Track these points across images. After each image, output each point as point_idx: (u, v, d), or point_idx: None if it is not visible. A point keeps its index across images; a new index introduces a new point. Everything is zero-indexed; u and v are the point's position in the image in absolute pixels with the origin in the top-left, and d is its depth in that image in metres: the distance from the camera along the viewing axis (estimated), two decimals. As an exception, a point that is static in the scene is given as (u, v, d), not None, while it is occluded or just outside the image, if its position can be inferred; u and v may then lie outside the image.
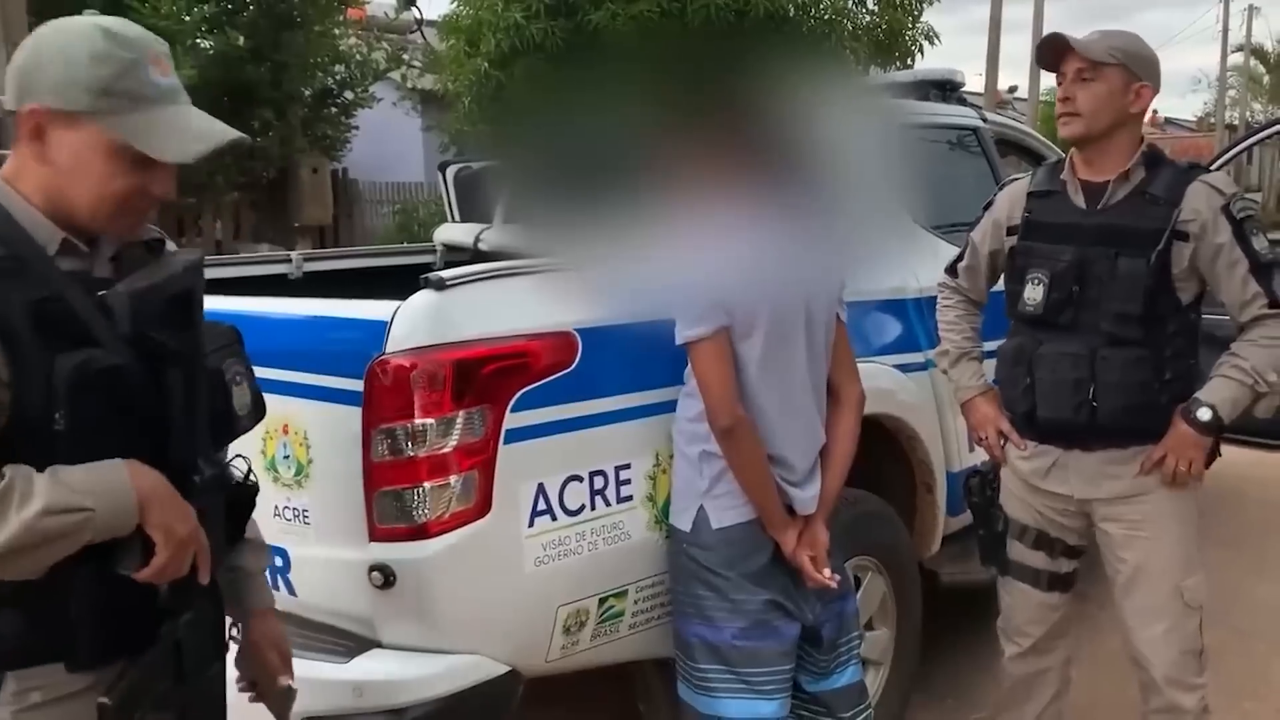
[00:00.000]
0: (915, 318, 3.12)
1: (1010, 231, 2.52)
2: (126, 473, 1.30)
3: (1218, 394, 2.30)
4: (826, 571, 2.27)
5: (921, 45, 8.33)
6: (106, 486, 1.28)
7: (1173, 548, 2.41)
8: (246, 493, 1.59)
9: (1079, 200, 2.40)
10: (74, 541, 1.26)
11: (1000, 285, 2.61)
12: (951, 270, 2.73)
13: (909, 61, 8.26)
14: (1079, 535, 2.55)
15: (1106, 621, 2.56)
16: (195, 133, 1.40)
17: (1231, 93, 35.05)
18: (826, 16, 7.72)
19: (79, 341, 1.29)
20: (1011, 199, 2.56)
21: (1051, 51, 2.38)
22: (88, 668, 1.35)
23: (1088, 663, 3.45)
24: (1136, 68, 2.33)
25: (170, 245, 1.53)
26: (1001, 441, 2.57)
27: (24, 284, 1.28)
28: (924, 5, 8.31)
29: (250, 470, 1.59)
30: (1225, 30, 33.54)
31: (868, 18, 8.07)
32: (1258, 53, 35.58)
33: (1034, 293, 2.40)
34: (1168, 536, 2.41)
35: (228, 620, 1.60)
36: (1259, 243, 2.28)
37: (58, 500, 1.23)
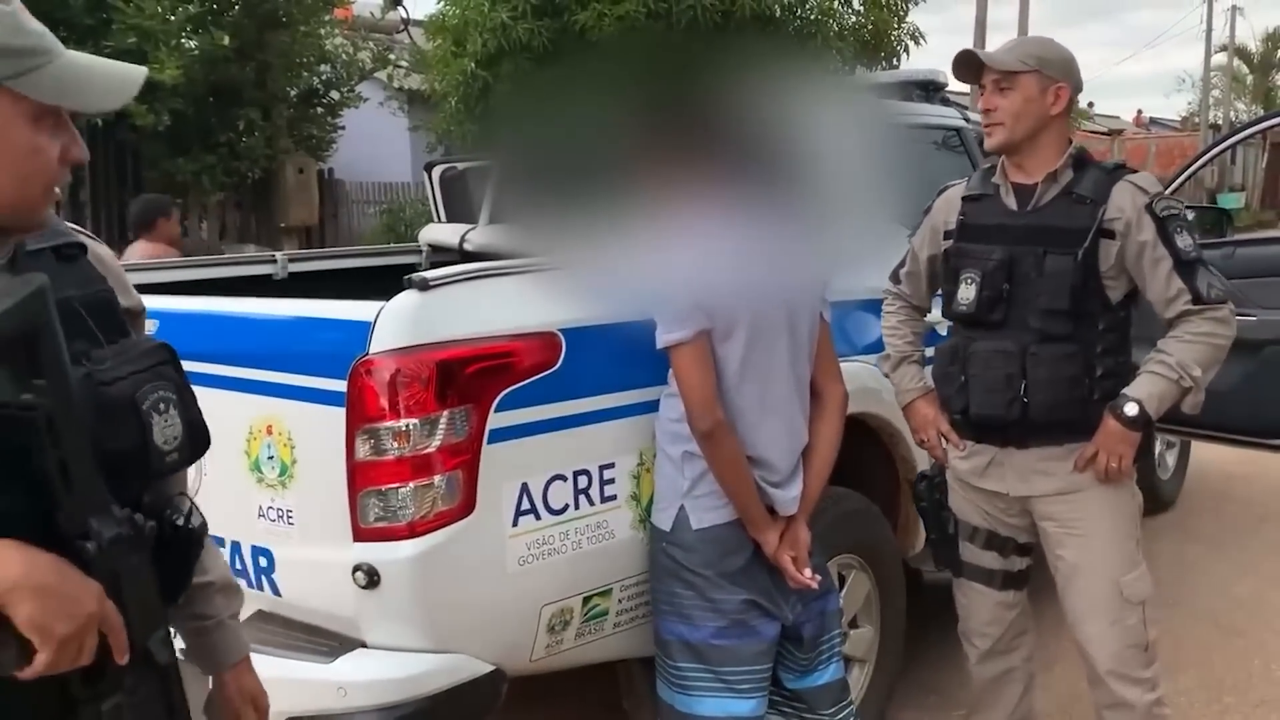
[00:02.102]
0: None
1: (947, 235, 2.57)
2: None
3: (1144, 389, 2.33)
4: (807, 572, 2.29)
5: (907, 46, 8.36)
6: None
7: (1109, 544, 2.44)
8: (188, 538, 1.31)
9: (1010, 202, 2.46)
10: None
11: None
12: (895, 277, 2.77)
13: (894, 62, 8.28)
14: (1027, 533, 2.59)
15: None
16: (108, 77, 1.22)
17: (1215, 92, 35.25)
18: (812, 17, 7.74)
19: None
20: (947, 204, 2.61)
21: (968, 67, 2.46)
22: None
23: (1070, 657, 3.48)
24: (1051, 70, 2.38)
25: (99, 248, 1.31)
26: (943, 442, 2.61)
27: None
28: (909, 6, 8.35)
29: (192, 511, 1.31)
30: (1209, 30, 33.72)
31: (853, 18, 8.09)
32: (1241, 53, 35.83)
33: (966, 292, 2.45)
34: (1104, 533, 2.44)
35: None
36: (1183, 241, 2.32)
37: None
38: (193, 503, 1.33)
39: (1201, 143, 26.29)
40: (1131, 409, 2.32)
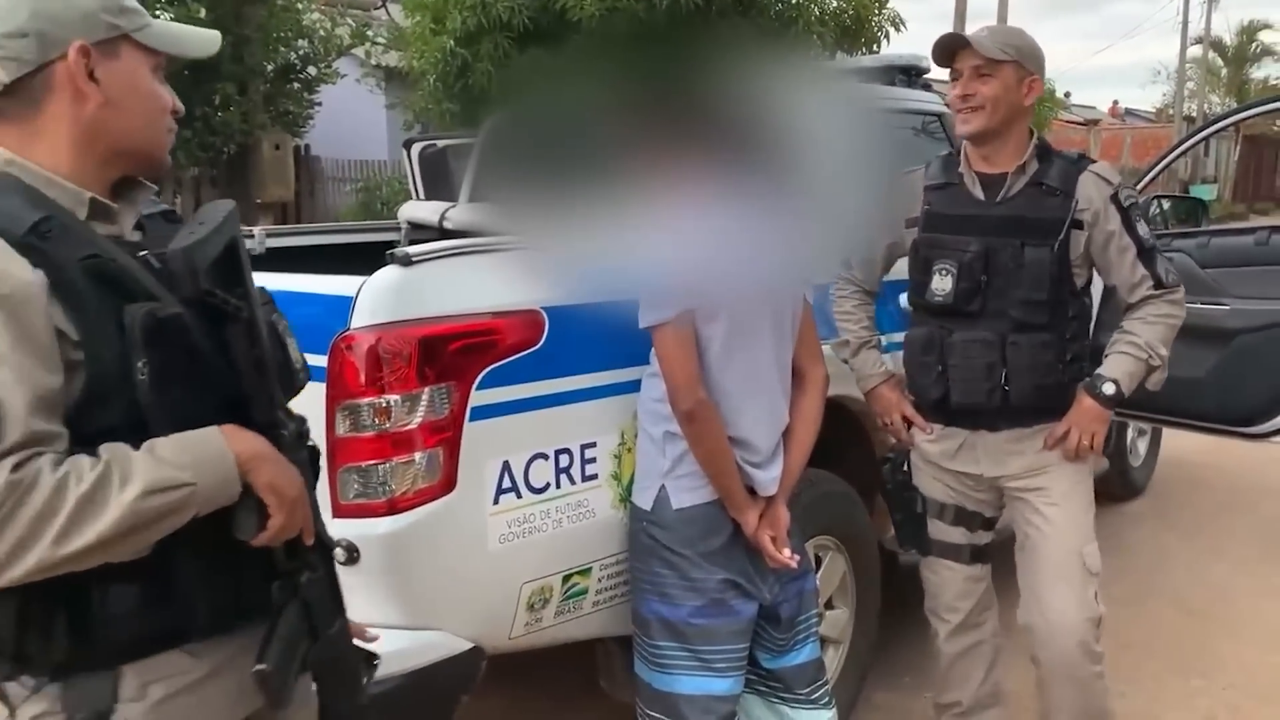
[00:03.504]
0: (877, 300, 3.14)
1: (910, 224, 2.61)
2: (222, 439, 1.26)
3: (1118, 369, 2.43)
4: (787, 551, 2.30)
5: (887, 32, 8.36)
6: (205, 456, 1.24)
7: (1074, 516, 2.53)
8: (314, 453, 1.51)
9: (977, 192, 2.51)
10: (178, 519, 1.22)
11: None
12: (846, 263, 2.82)
13: (875, 47, 8.28)
14: (993, 507, 2.67)
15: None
16: (194, 33, 1.43)
17: (1190, 84, 35.50)
18: (793, 1, 7.72)
19: (139, 298, 1.26)
20: (908, 192, 2.65)
21: (948, 50, 2.48)
22: (206, 637, 1.33)
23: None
24: (1027, 62, 2.44)
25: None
26: (906, 426, 2.66)
27: (69, 244, 1.23)
28: (890, -9, 8.33)
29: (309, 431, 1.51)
30: (1185, 23, 33.92)
31: (834, 3, 8.07)
32: (1216, 45, 36.09)
33: (942, 283, 2.49)
34: (1070, 505, 2.52)
35: None
36: (1142, 229, 2.43)
37: (158, 479, 1.19)
38: (306, 422, 1.50)
39: (1176, 134, 26.50)
40: (1109, 388, 2.41)
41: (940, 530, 2.69)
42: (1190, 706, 3.33)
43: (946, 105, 3.89)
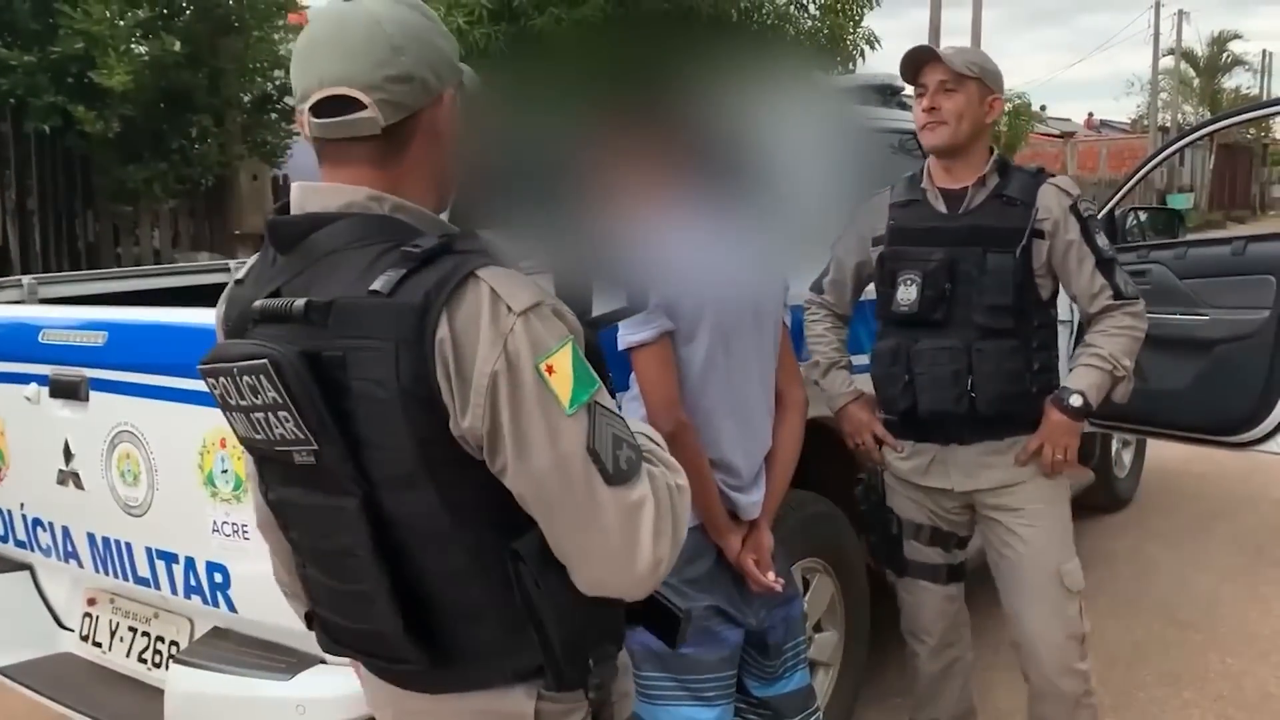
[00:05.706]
0: (857, 319, 3.13)
1: (876, 242, 2.64)
2: None
3: (1084, 380, 2.44)
4: (771, 575, 2.27)
5: (863, 50, 8.43)
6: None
7: (1050, 534, 2.53)
8: None
9: (940, 206, 2.55)
10: None
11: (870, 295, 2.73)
12: (817, 287, 2.83)
13: (851, 66, 8.34)
14: (966, 527, 2.67)
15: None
16: (470, 71, 1.42)
17: (1163, 95, 35.89)
18: (769, 22, 7.78)
19: None
20: (874, 212, 2.68)
21: (915, 64, 2.53)
22: None
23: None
24: (990, 81, 2.50)
25: None
26: (878, 445, 2.66)
27: None
28: (865, 10, 8.40)
29: None
30: (1156, 35, 34.36)
31: (810, 22, 8.14)
32: (1188, 57, 36.54)
33: (907, 293, 2.52)
34: (1045, 523, 2.52)
35: None
36: (1101, 240, 2.47)
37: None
38: None
39: (1151, 145, 26.76)
40: (1076, 400, 2.42)
41: (917, 551, 2.69)
42: (1184, 719, 3.32)
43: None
